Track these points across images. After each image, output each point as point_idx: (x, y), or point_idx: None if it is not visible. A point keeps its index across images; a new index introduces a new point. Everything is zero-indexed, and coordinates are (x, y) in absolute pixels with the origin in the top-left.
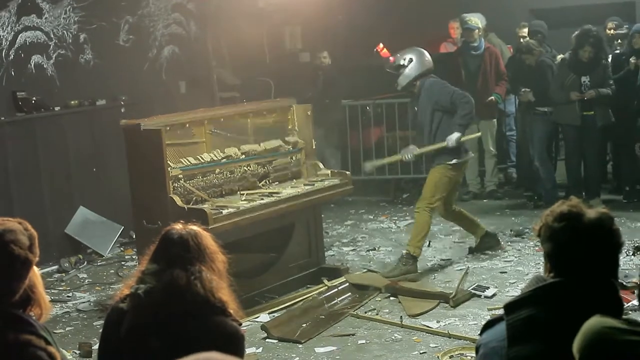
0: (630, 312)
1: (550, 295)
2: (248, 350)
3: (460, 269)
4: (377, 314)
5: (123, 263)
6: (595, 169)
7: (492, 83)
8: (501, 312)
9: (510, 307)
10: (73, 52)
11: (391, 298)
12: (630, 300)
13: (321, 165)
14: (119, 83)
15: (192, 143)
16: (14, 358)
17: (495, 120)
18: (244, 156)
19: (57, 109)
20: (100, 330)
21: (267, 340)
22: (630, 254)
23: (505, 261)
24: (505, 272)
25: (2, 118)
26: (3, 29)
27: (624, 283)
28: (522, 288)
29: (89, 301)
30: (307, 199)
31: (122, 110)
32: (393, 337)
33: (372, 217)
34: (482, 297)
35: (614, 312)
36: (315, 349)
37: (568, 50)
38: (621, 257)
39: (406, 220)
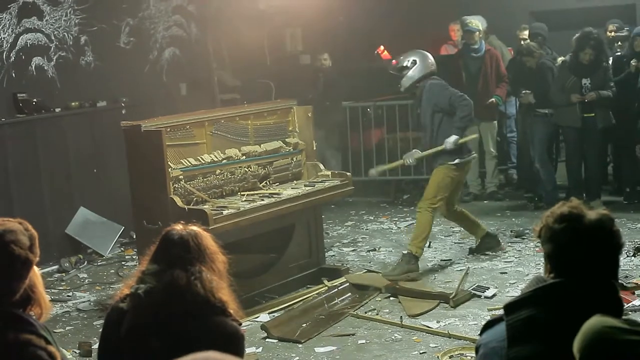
0: (630, 312)
1: (550, 295)
2: (248, 350)
3: (461, 270)
4: (377, 314)
5: (123, 263)
6: (595, 171)
7: (492, 85)
8: (501, 312)
9: (510, 307)
10: (74, 54)
11: (391, 298)
12: (631, 301)
13: (322, 167)
14: (119, 85)
15: (192, 144)
16: (14, 357)
17: (495, 122)
18: (244, 157)
19: (57, 110)
20: (100, 330)
21: (267, 340)
22: (631, 254)
23: (505, 262)
24: (506, 273)
25: (3, 119)
26: (4, 31)
27: (624, 284)
28: (522, 288)
29: (89, 301)
30: (307, 199)
31: (123, 112)
32: (393, 337)
33: (372, 218)
34: (482, 297)
35: (614, 313)
36: (315, 348)
37: (569, 52)
38: (621, 258)
39: (407, 221)
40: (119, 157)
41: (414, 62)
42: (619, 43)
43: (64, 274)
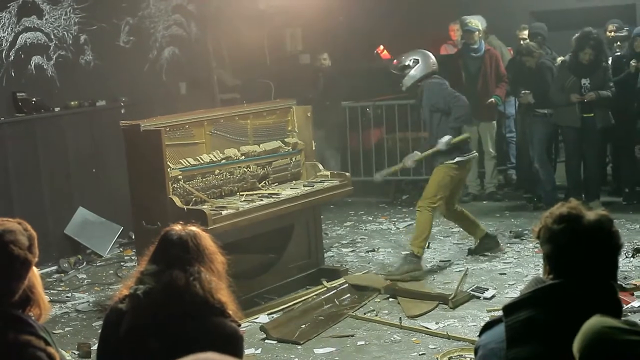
0: (629, 313)
1: (549, 296)
2: (247, 351)
3: (460, 271)
4: (376, 315)
5: (122, 264)
6: (595, 171)
7: (492, 85)
8: (500, 313)
9: (509, 308)
10: (73, 53)
11: (390, 299)
12: (629, 302)
13: (321, 167)
14: (119, 84)
15: (191, 144)
16: (13, 358)
17: (495, 122)
18: (243, 157)
19: (57, 109)
20: (99, 331)
21: (266, 341)
22: (630, 255)
23: (504, 263)
24: (505, 274)
25: (2, 119)
26: (3, 29)
27: (623, 285)
28: (521, 289)
29: (88, 301)
30: (306, 200)
31: (122, 111)
32: (392, 338)
33: (371, 219)
34: (481, 298)
35: (613, 314)
36: (314, 350)
37: (568, 52)
38: (620, 259)
39: (406, 222)
40: (118, 157)
41: (416, 62)
42: (619, 43)
43: (63, 275)
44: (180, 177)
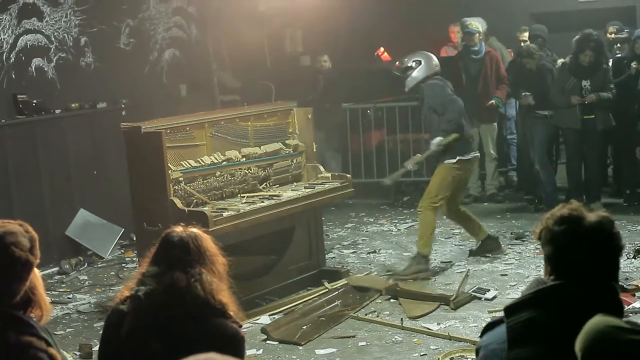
0: (630, 314)
1: (550, 298)
2: (248, 352)
3: (461, 272)
4: (377, 316)
5: (123, 265)
6: (595, 173)
7: (492, 87)
8: (501, 314)
9: (510, 309)
10: (74, 55)
11: (391, 300)
12: (631, 303)
13: (322, 168)
14: (119, 86)
15: (192, 146)
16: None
17: (495, 123)
18: (244, 159)
19: (57, 111)
20: (101, 332)
21: (267, 342)
22: (631, 256)
23: (505, 264)
24: (506, 275)
25: (3, 121)
26: (4, 32)
27: (625, 286)
28: (522, 291)
29: (89, 303)
30: (307, 201)
31: (123, 113)
32: (393, 339)
33: (372, 220)
34: (483, 299)
35: (614, 315)
36: (315, 350)
37: (569, 54)
38: (621, 260)
39: (407, 223)
40: (119, 159)
41: (419, 63)
42: (619, 45)
43: (64, 276)
44: (181, 178)
